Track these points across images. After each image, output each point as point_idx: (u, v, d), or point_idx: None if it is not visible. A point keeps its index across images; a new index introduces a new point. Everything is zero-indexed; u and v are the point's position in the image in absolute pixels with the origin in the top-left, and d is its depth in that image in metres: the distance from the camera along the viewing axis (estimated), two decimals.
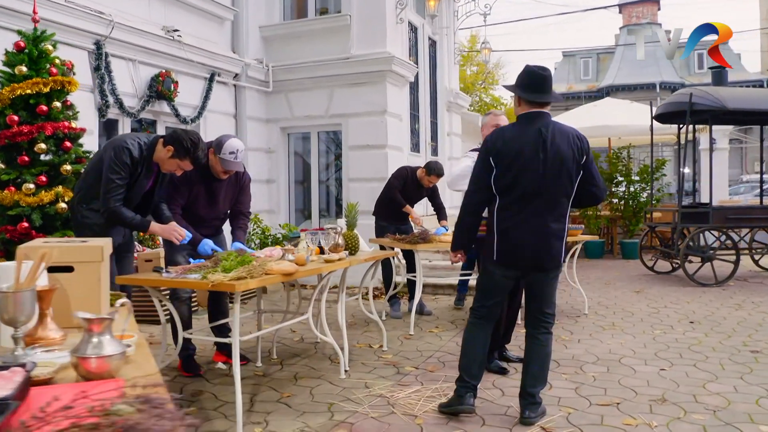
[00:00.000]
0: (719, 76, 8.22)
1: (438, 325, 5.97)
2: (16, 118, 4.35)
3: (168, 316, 3.94)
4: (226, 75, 7.89)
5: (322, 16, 8.56)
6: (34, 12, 4.64)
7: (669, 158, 13.40)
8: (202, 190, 4.32)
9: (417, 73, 9.40)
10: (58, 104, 4.50)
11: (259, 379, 4.30)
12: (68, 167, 4.42)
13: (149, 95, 6.53)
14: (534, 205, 3.30)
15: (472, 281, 6.38)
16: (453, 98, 10.51)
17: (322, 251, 4.43)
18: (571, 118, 12.16)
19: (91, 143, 5.68)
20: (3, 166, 4.38)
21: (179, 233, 3.73)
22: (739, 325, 5.72)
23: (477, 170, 3.44)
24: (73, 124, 4.69)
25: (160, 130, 7.09)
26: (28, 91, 4.37)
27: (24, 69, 4.42)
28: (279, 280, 3.50)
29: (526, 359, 3.51)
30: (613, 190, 11.27)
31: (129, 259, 3.98)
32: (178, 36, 6.85)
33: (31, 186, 4.29)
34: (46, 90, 4.43)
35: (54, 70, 4.55)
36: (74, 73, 5.53)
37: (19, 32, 4.50)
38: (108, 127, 6.47)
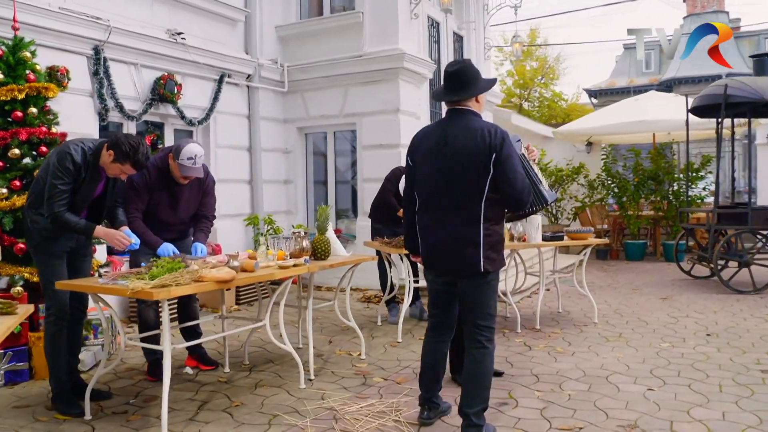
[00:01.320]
0: (761, 65, 7.55)
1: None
2: None
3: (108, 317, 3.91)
4: (238, 76, 7.88)
5: (335, 14, 8.43)
6: (14, 20, 4.72)
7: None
8: (164, 195, 4.29)
9: (439, 70, 9.16)
10: (34, 110, 4.55)
11: (219, 385, 4.22)
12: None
13: (152, 98, 6.58)
14: (440, 206, 3.17)
15: None
16: None
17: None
18: (610, 114, 11.60)
19: None
20: None
21: (123, 239, 3.68)
22: (762, 340, 5.22)
23: (405, 168, 3.43)
24: (54, 129, 4.74)
25: (168, 133, 7.15)
26: (2, 98, 4.44)
27: (0, 76, 4.50)
28: (211, 288, 3.40)
29: (463, 377, 3.26)
30: (654, 188, 10.64)
31: (86, 264, 3.96)
32: (182, 39, 6.87)
33: (4, 190, 4.36)
34: (21, 96, 4.49)
35: (32, 76, 4.60)
36: (69, 79, 5.67)
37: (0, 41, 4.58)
38: (112, 131, 6.57)
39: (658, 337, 5.39)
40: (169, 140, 7.12)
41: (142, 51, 6.48)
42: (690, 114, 8.21)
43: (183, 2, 7.10)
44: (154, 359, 4.38)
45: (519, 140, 4.25)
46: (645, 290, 7.84)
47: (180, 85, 6.82)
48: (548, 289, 7.89)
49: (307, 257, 4.18)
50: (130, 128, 6.59)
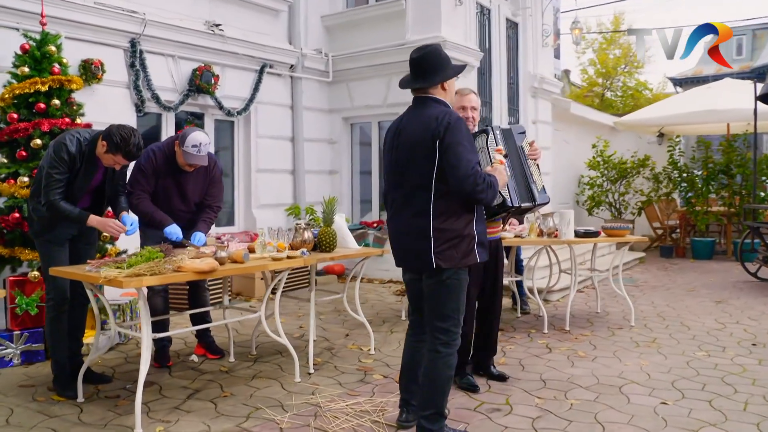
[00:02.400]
0: None
1: None
2: (15, 115, 4.62)
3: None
4: (280, 66, 7.92)
5: (379, 2, 8.30)
6: (42, 15, 4.90)
7: None
8: (170, 182, 4.34)
9: (489, 58, 8.87)
10: (57, 102, 4.72)
11: (218, 375, 4.25)
12: None
13: (189, 89, 6.72)
14: (395, 200, 3.06)
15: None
16: (538, 83, 9.75)
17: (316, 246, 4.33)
18: (678, 103, 10.87)
19: None
20: (5, 160, 4.69)
21: (117, 227, 3.75)
22: None
23: None
24: (79, 120, 4.91)
25: (208, 123, 7.29)
26: (27, 90, 4.62)
27: (26, 70, 4.68)
28: (188, 278, 3.41)
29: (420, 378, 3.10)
30: (726, 182, 9.88)
31: (91, 251, 4.07)
32: (220, 30, 6.96)
33: (26, 179, 4.55)
34: (45, 89, 4.66)
35: (56, 69, 4.77)
36: (104, 71, 5.86)
37: (25, 35, 4.77)
38: (150, 122, 6.76)
39: (696, 345, 4.98)
40: (208, 130, 7.25)
41: (179, 43, 6.61)
42: (760, 102, 7.52)
43: None
44: (160, 346, 4.46)
45: (522, 132, 4.02)
46: (701, 292, 7.30)
47: (217, 76, 6.92)
48: (594, 287, 7.54)
49: (305, 249, 4.11)
50: (168, 118, 6.75)
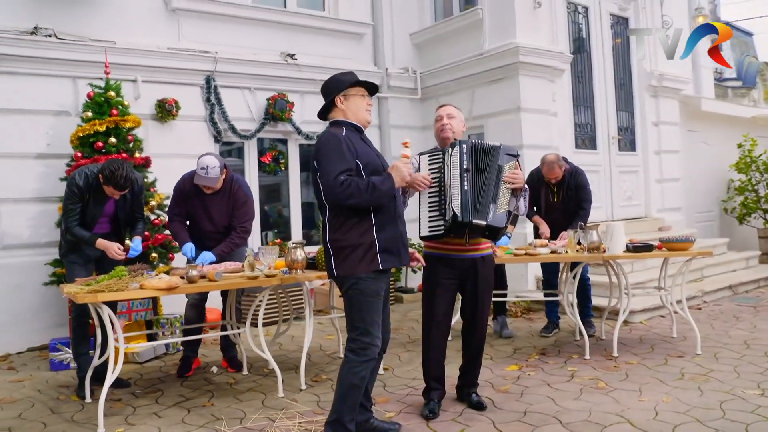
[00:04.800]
0: None
1: (490, 352, 5.26)
2: (79, 154, 5.41)
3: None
4: None
5: (458, 14, 8.17)
6: (106, 65, 5.68)
7: None
8: (197, 203, 4.72)
9: (588, 60, 8.26)
10: (113, 140, 5.42)
11: (218, 386, 4.52)
12: None
13: (265, 118, 7.22)
14: None
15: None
16: (657, 81, 8.81)
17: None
18: None
19: None
20: None
21: (117, 250, 4.23)
22: None
23: None
24: (137, 155, 5.59)
25: (292, 148, 7.73)
26: (88, 132, 5.39)
27: (90, 114, 5.46)
28: (147, 295, 3.73)
29: None
30: None
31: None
32: (294, 60, 7.39)
33: None
34: (103, 129, 5.39)
35: (114, 111, 5.49)
36: (179, 108, 6.55)
37: (91, 84, 5.56)
38: (234, 150, 7.38)
39: (758, 381, 4.17)
40: (293, 155, 7.72)
41: (254, 75, 7.15)
42: None
43: (301, 25, 7.63)
44: (184, 356, 4.88)
45: (513, 155, 3.77)
46: None
47: (292, 103, 7.34)
48: (699, 308, 6.67)
49: (286, 269, 4.25)
50: (250, 146, 7.32)
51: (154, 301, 5.54)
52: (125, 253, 4.29)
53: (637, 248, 4.94)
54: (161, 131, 6.53)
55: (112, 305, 4.52)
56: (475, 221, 3.57)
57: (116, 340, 3.76)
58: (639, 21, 8.76)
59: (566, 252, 5.03)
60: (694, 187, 9.73)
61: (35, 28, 5.83)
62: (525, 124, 7.28)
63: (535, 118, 7.38)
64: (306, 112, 7.55)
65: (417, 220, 3.70)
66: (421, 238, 3.71)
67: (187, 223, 4.74)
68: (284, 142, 7.73)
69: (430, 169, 3.70)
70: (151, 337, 5.48)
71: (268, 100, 7.21)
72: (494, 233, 3.70)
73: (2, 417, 3.98)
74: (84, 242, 4.29)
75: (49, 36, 5.86)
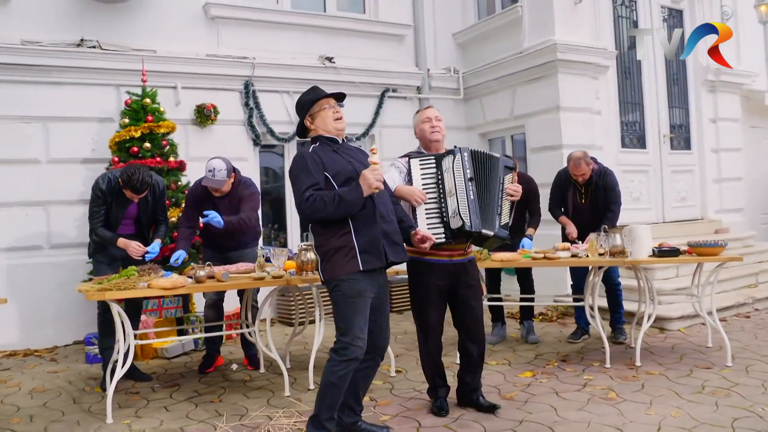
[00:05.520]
0: None
1: (510, 357, 5.18)
2: (116, 159, 5.72)
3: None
4: (405, 89, 8.16)
5: (501, 12, 8.02)
6: (143, 73, 5.97)
7: None
8: (209, 207, 4.89)
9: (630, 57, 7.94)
10: (147, 145, 5.70)
11: (233, 383, 4.66)
12: None
13: None
14: None
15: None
16: (714, 76, 8.34)
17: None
18: None
19: (247, 169, 6.76)
20: None
21: (136, 248, 4.46)
22: None
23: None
24: (171, 159, 5.85)
25: None
26: (124, 137, 5.68)
27: (126, 120, 5.76)
28: (153, 293, 3.90)
29: None
30: None
31: None
32: (332, 63, 7.50)
33: None
34: (137, 135, 5.67)
35: (150, 118, 5.77)
36: (217, 113, 6.80)
37: (128, 92, 5.86)
38: (275, 152, 7.57)
39: None
40: None
41: (292, 79, 7.30)
42: None
43: (340, 29, 7.73)
44: (206, 353, 5.07)
45: (510, 167, 3.80)
46: None
47: None
48: (748, 316, 6.31)
49: (293, 270, 4.34)
50: (289, 148, 7.49)
51: (185, 299, 5.77)
52: (144, 252, 4.50)
53: (663, 253, 4.71)
54: (201, 135, 6.79)
55: (137, 303, 4.78)
56: (483, 231, 3.64)
57: (127, 336, 3.96)
58: (695, 12, 8.32)
59: (587, 256, 4.87)
60: (758, 186, 9.14)
61: (81, 40, 6.21)
62: (564, 124, 7.09)
63: (576, 116, 7.17)
64: (346, 114, 7.60)
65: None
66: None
67: (201, 226, 4.86)
68: None
69: (423, 176, 3.71)
70: (181, 334, 5.72)
71: None
72: (493, 242, 3.82)
73: (29, 405, 4.28)
74: (107, 242, 4.54)
75: (93, 47, 6.22)
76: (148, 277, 3.99)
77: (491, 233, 3.68)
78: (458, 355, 4.01)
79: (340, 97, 3.39)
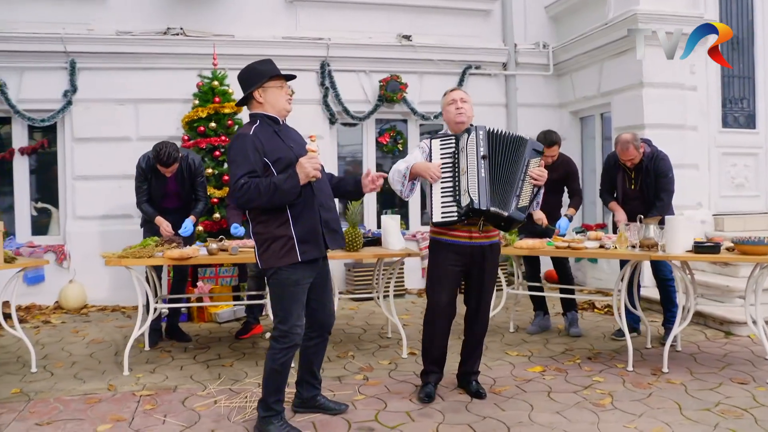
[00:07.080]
0: None
1: (536, 349, 4.97)
2: (186, 137, 6.27)
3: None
4: (489, 66, 7.91)
5: None
6: (214, 57, 6.43)
7: None
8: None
9: (750, 25, 6.98)
10: (213, 124, 6.18)
11: (254, 351, 4.97)
12: (209, 170, 6.02)
13: (378, 100, 7.48)
14: None
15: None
16: None
17: None
18: None
19: (324, 147, 7.14)
20: None
21: (166, 227, 4.94)
22: None
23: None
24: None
25: (412, 128, 7.88)
26: (193, 117, 6.21)
27: (196, 102, 6.28)
28: (163, 262, 4.30)
29: None
30: None
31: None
32: (409, 41, 7.48)
33: None
34: (204, 115, 6.17)
35: (217, 99, 6.23)
36: (293, 93, 7.11)
37: (200, 75, 6.37)
38: (354, 131, 7.76)
39: None
40: (413, 135, 7.88)
41: (368, 58, 7.42)
42: None
43: (420, 6, 7.66)
44: (245, 320, 5.47)
45: (538, 151, 3.70)
46: None
47: (405, 84, 7.47)
48: None
49: None
50: (366, 127, 7.66)
51: (242, 269, 6.21)
52: (172, 233, 4.95)
53: (700, 248, 4.22)
54: None
55: (182, 272, 5.28)
56: (493, 209, 3.54)
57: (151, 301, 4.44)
58: None
59: (614, 248, 4.50)
60: None
61: (167, 28, 6.83)
62: (647, 101, 6.48)
63: (663, 93, 6.51)
64: (424, 93, 7.62)
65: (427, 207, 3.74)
66: (434, 224, 3.70)
67: None
68: (405, 122, 7.91)
69: (442, 155, 3.69)
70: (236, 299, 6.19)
71: (379, 82, 7.44)
72: (509, 224, 3.68)
73: (80, 352, 4.96)
74: (149, 217, 5.07)
75: (177, 34, 6.81)
76: (163, 247, 4.41)
77: (504, 213, 3.54)
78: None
79: (290, 78, 3.34)
